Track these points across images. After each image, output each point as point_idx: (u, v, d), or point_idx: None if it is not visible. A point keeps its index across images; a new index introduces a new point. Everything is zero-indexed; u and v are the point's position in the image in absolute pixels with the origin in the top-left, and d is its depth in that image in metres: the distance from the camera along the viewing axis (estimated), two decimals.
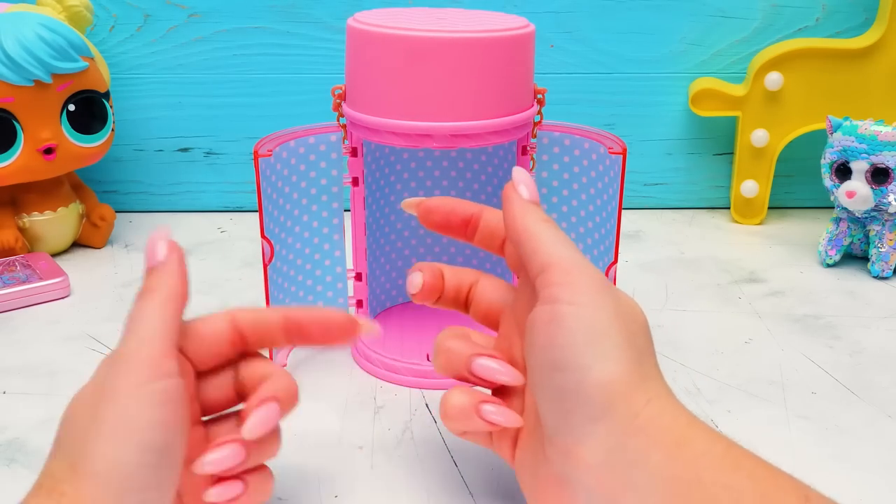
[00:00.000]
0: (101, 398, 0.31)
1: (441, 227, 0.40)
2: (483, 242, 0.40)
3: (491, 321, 0.40)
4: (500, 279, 0.40)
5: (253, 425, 0.34)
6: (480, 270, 0.41)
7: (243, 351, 0.37)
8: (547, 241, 0.34)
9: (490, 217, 0.40)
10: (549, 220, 0.35)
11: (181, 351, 0.35)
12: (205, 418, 0.37)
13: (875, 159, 0.63)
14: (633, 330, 0.33)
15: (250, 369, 0.37)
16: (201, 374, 0.36)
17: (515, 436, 0.36)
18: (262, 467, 0.36)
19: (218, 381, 0.37)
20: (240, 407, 0.37)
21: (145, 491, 0.30)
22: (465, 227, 0.40)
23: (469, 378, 0.37)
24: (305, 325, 0.37)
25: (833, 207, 0.68)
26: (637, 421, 0.30)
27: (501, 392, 0.37)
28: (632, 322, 0.33)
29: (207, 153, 0.80)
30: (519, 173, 0.37)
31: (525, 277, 0.36)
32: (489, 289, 0.40)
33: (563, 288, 0.32)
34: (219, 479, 0.35)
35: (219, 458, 0.34)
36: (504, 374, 0.36)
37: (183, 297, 0.34)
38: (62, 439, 0.32)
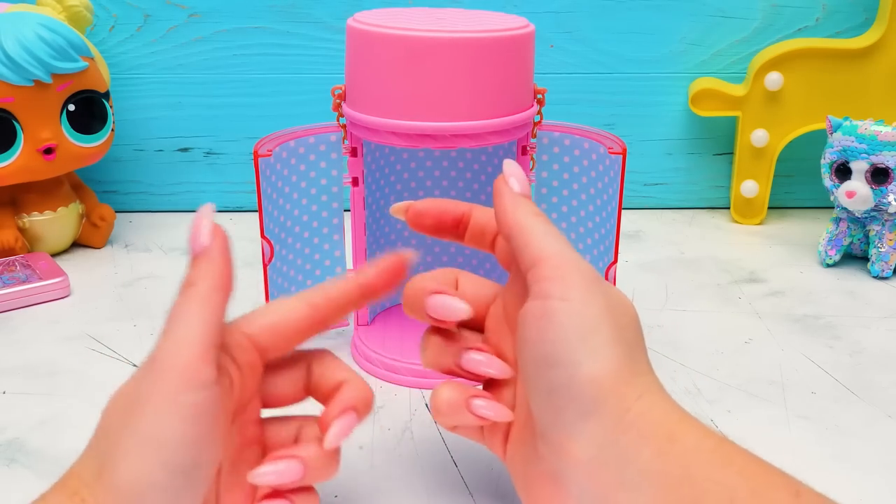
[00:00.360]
0: (134, 405, 0.30)
1: (433, 230, 0.39)
2: (473, 241, 0.39)
3: (476, 320, 0.39)
4: (482, 277, 0.40)
5: (335, 436, 0.33)
6: (461, 270, 0.40)
7: (319, 331, 0.36)
8: (538, 234, 0.34)
9: (480, 215, 0.39)
10: (540, 214, 0.35)
11: (250, 341, 0.34)
12: (264, 414, 0.36)
13: (875, 159, 0.63)
14: (624, 325, 0.32)
15: (326, 370, 0.36)
16: (270, 366, 0.35)
17: (507, 430, 0.36)
18: (309, 488, 0.35)
19: (289, 374, 0.36)
20: (294, 411, 0.36)
21: None
22: (457, 227, 0.39)
23: (458, 372, 0.37)
24: (374, 282, 0.36)
25: (833, 207, 0.68)
26: (628, 416, 0.30)
27: (492, 386, 0.37)
28: (622, 316, 0.33)
29: (207, 153, 0.80)
30: (510, 166, 0.37)
31: (516, 272, 0.36)
32: (471, 287, 0.39)
33: (553, 283, 0.32)
34: (265, 494, 0.34)
35: (276, 471, 0.33)
36: (492, 366, 0.36)
37: (226, 288, 0.33)
38: (96, 439, 0.31)
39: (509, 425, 0.36)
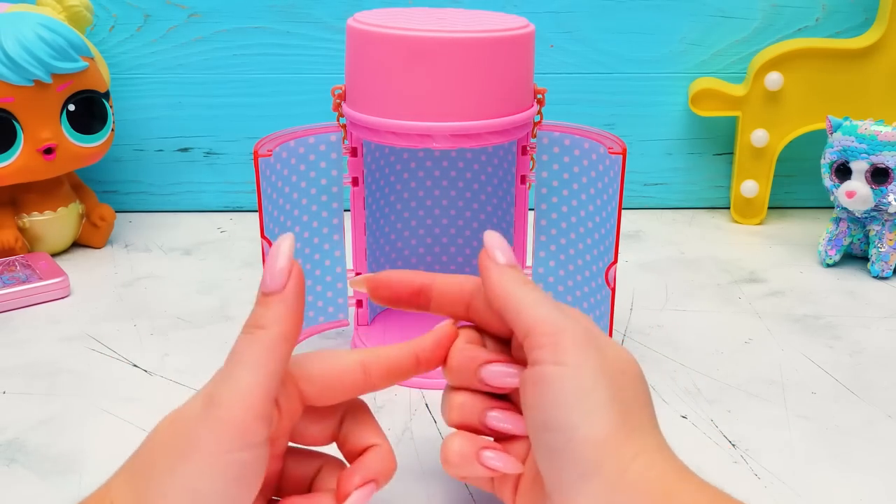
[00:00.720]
0: (183, 448, 0.30)
1: (390, 302, 0.39)
2: (442, 310, 0.38)
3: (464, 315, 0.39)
4: (453, 277, 0.39)
5: None
6: (433, 275, 0.39)
7: (365, 392, 0.35)
8: (529, 304, 0.33)
9: (443, 285, 0.38)
10: (528, 282, 0.35)
11: (296, 389, 0.33)
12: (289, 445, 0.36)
13: (875, 159, 0.63)
14: (622, 383, 0.32)
15: (357, 428, 0.36)
16: (307, 410, 0.35)
17: (517, 481, 0.36)
18: None
19: (323, 421, 0.35)
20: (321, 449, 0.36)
21: None
22: (417, 299, 0.38)
23: (480, 430, 0.37)
24: (431, 354, 0.36)
25: (833, 207, 0.68)
26: (626, 476, 0.30)
27: (504, 439, 0.37)
28: (619, 374, 0.33)
29: (207, 153, 0.80)
30: (491, 238, 0.36)
31: (516, 343, 0.36)
32: (448, 290, 0.38)
33: (546, 350, 0.32)
34: None
35: None
36: (513, 424, 0.36)
37: (294, 338, 0.32)
38: (138, 465, 0.31)
39: (519, 476, 0.36)
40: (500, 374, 0.36)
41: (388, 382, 0.35)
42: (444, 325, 0.37)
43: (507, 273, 0.35)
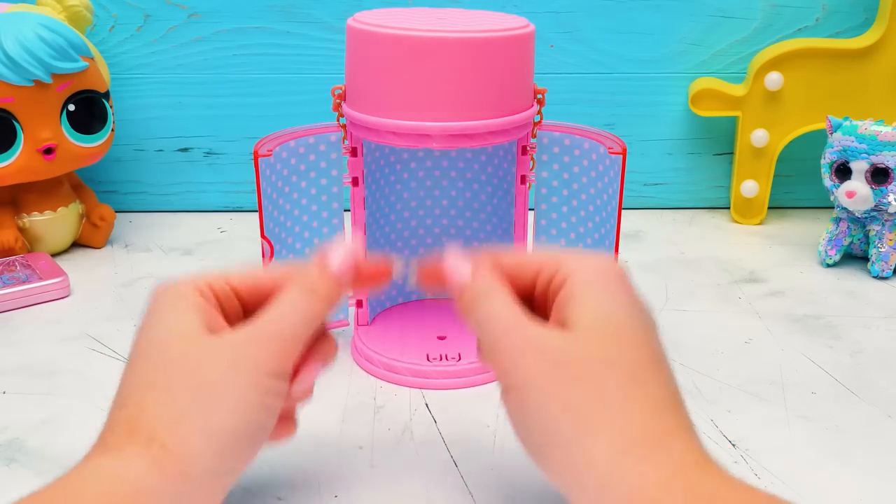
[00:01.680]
0: (212, 387, 0.32)
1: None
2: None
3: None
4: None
5: None
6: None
7: None
8: (479, 331, 0.34)
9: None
10: (491, 292, 0.34)
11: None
12: None
13: (875, 159, 0.63)
14: (566, 378, 0.31)
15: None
16: None
17: None
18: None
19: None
20: None
21: (233, 466, 0.33)
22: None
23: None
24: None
25: (833, 207, 0.68)
26: (605, 491, 0.29)
27: None
28: (563, 369, 0.31)
29: (207, 153, 0.80)
30: (450, 258, 0.36)
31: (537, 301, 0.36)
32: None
33: (499, 376, 0.33)
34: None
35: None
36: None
37: (332, 310, 0.35)
38: (160, 397, 0.32)
39: None
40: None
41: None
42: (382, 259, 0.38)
43: (464, 297, 0.35)
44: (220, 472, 0.32)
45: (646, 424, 0.30)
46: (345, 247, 0.36)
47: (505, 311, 0.33)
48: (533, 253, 0.37)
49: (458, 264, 0.36)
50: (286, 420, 0.37)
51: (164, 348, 0.33)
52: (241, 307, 0.36)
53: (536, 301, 0.36)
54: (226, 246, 0.72)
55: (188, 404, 0.31)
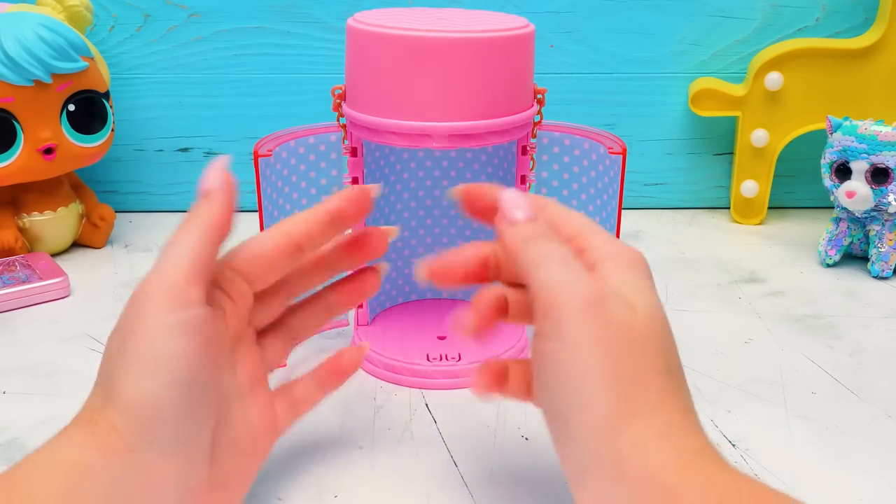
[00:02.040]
0: (128, 329, 0.32)
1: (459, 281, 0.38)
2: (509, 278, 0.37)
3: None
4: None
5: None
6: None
7: (297, 258, 0.38)
8: (538, 265, 0.32)
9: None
10: (544, 236, 0.33)
11: (235, 273, 0.36)
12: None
13: (875, 159, 0.63)
14: (626, 354, 0.30)
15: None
16: (258, 297, 0.37)
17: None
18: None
19: (271, 305, 0.39)
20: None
21: (178, 422, 0.31)
22: (485, 271, 0.37)
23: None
24: (341, 207, 0.38)
25: (833, 207, 0.68)
26: (624, 469, 0.29)
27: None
28: (625, 344, 0.30)
29: (207, 153, 0.80)
30: (508, 198, 0.35)
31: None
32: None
33: (544, 323, 0.31)
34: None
35: None
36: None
37: (222, 227, 0.35)
38: (100, 369, 0.33)
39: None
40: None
41: (313, 243, 0.38)
42: (353, 188, 0.39)
43: (521, 232, 0.33)
44: (177, 442, 0.31)
45: (674, 419, 0.30)
46: (210, 168, 0.36)
47: (570, 259, 0.32)
48: (567, 213, 0.35)
49: (521, 199, 0.34)
50: (287, 398, 0.39)
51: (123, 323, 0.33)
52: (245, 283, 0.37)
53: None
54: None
55: (123, 367, 0.31)
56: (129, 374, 0.31)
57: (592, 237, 0.34)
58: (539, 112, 0.50)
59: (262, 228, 0.49)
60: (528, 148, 0.51)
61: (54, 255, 0.69)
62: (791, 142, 0.75)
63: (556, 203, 0.37)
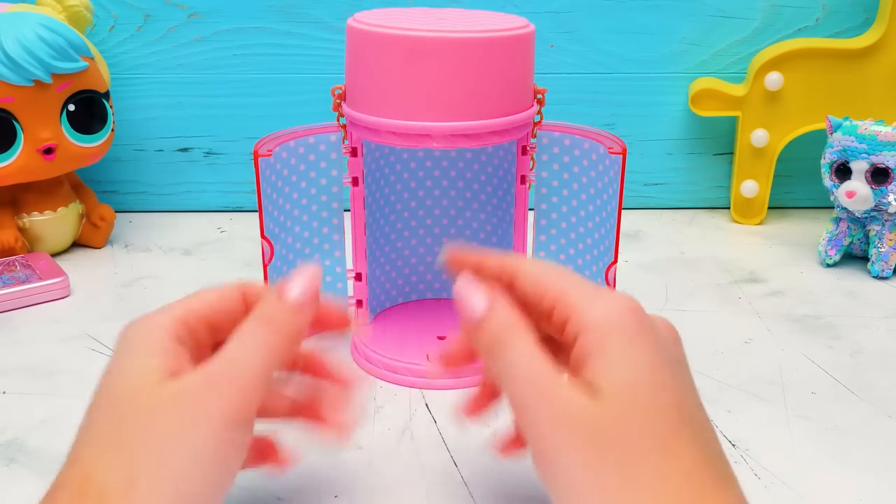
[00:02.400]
0: (186, 414, 0.30)
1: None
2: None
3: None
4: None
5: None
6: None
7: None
8: (504, 382, 0.32)
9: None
10: (500, 341, 0.32)
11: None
12: None
13: (875, 159, 0.63)
14: (599, 450, 0.29)
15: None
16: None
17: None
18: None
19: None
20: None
21: None
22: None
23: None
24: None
25: (833, 207, 0.68)
26: None
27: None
28: (593, 443, 0.29)
29: (207, 153, 0.80)
30: (461, 292, 0.34)
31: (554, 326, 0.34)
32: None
33: (539, 441, 0.31)
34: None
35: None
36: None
37: (299, 341, 0.34)
38: (124, 432, 0.30)
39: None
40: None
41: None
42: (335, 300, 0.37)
43: (483, 340, 0.33)
44: None
45: (680, 497, 0.29)
46: (304, 273, 0.34)
47: (532, 364, 0.31)
48: (545, 278, 0.33)
49: (471, 295, 0.33)
50: (271, 451, 0.37)
51: (118, 401, 0.31)
52: (214, 336, 0.34)
53: (553, 329, 0.34)
54: (226, 246, 0.72)
55: (139, 466, 0.29)
56: (149, 500, 0.29)
57: (573, 303, 0.32)
58: (539, 112, 0.50)
59: (262, 228, 0.48)
60: (528, 148, 0.51)
61: (54, 255, 0.69)
62: (791, 142, 0.75)
63: (528, 264, 0.35)
